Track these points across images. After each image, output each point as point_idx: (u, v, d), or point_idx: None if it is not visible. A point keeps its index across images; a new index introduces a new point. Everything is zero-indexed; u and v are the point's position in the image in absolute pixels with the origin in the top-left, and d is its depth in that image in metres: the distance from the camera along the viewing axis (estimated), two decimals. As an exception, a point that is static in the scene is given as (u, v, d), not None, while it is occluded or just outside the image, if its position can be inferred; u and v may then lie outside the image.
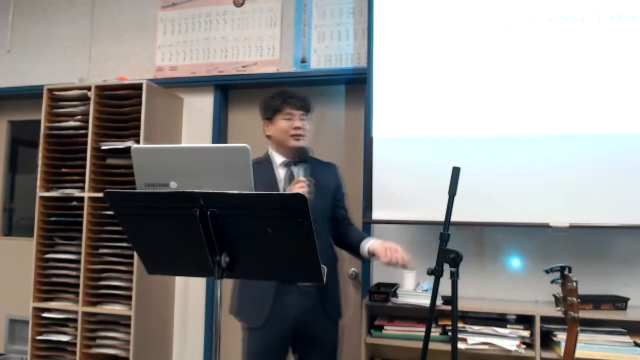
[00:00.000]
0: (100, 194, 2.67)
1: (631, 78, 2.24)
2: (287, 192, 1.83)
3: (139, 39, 3.21)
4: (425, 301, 2.20)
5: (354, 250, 2.02)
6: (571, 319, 1.58)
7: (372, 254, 1.92)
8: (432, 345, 2.04)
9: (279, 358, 1.97)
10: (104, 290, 2.73)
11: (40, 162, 2.87)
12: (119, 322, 2.70)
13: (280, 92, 2.02)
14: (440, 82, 2.45)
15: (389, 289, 2.38)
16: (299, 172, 1.86)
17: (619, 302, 2.22)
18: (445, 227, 1.68)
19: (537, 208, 2.28)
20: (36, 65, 3.38)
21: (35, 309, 2.81)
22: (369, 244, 1.94)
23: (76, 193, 2.79)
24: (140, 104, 2.71)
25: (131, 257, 2.67)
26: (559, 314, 1.67)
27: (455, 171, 1.70)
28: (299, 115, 1.98)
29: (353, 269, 2.81)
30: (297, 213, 1.16)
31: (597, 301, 2.21)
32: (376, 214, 2.48)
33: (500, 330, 2.19)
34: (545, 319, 2.17)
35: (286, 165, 1.99)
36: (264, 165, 1.99)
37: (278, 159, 2.01)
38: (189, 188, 1.19)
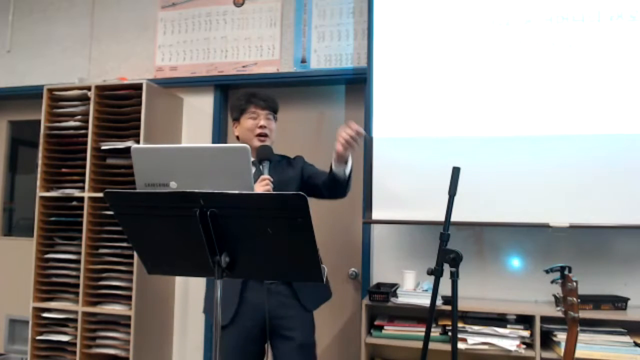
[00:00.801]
0: (100, 194, 2.67)
1: (631, 78, 2.24)
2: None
3: (139, 39, 3.21)
4: (425, 301, 2.20)
5: (332, 175, 1.94)
6: (571, 319, 1.58)
7: (336, 160, 1.87)
8: (432, 345, 2.04)
9: (252, 354, 1.94)
10: (104, 290, 2.73)
11: (40, 162, 2.87)
12: (119, 322, 2.70)
13: (245, 93, 2.07)
14: (440, 82, 2.45)
15: (389, 289, 2.38)
16: (263, 170, 1.87)
17: (619, 302, 2.22)
18: (445, 227, 1.68)
19: (537, 208, 2.28)
20: (36, 65, 3.38)
21: (35, 309, 2.81)
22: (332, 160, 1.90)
23: (76, 193, 2.79)
24: (140, 104, 2.71)
25: (131, 257, 2.67)
26: (559, 314, 1.67)
27: (455, 171, 1.71)
28: (264, 115, 2.01)
29: (353, 269, 2.82)
30: (297, 213, 1.16)
31: (597, 301, 2.21)
32: (376, 214, 2.48)
33: (500, 330, 2.20)
34: (545, 319, 2.17)
35: (254, 164, 1.97)
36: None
37: None
38: (189, 188, 1.19)
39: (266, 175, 1.82)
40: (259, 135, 1.99)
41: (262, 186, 1.78)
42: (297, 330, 1.94)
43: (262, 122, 1.99)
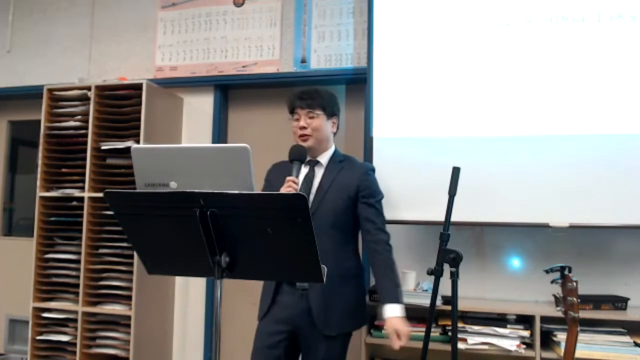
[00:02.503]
0: (100, 194, 2.67)
1: (631, 78, 2.24)
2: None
3: (139, 39, 3.21)
4: (425, 301, 2.20)
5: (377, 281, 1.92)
6: (571, 319, 1.58)
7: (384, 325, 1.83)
8: (432, 345, 2.03)
9: (277, 356, 1.90)
10: (104, 290, 2.73)
11: (40, 162, 2.87)
12: (119, 322, 2.70)
13: (292, 92, 1.98)
14: (440, 82, 2.44)
15: (389, 289, 2.37)
16: (292, 171, 1.81)
17: (619, 302, 2.22)
18: (445, 227, 1.68)
19: (537, 208, 2.28)
20: (36, 65, 3.38)
21: (35, 309, 2.81)
22: (387, 314, 1.82)
23: (76, 193, 2.79)
24: (140, 104, 2.71)
25: (131, 257, 2.67)
26: (559, 314, 1.67)
27: (455, 171, 1.71)
28: (305, 114, 1.92)
29: (353, 269, 2.81)
30: (297, 213, 1.15)
31: (597, 301, 2.21)
32: (376, 214, 2.47)
33: (500, 330, 2.19)
34: (545, 319, 2.16)
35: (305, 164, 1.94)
36: (285, 164, 1.94)
37: None
38: (189, 188, 1.19)
39: (292, 177, 1.77)
40: (300, 136, 1.93)
41: (285, 187, 1.75)
42: (320, 350, 1.86)
43: (301, 123, 1.92)
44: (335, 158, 1.98)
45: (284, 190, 1.74)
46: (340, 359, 1.93)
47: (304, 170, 1.94)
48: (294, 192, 1.72)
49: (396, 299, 1.81)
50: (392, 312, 1.79)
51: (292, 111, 1.96)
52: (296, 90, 1.99)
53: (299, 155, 1.86)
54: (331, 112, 1.97)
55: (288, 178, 1.77)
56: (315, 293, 1.83)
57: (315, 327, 1.84)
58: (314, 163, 1.96)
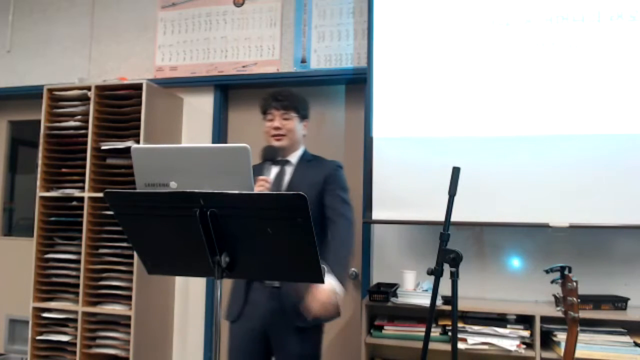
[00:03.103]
0: (100, 194, 2.67)
1: (631, 78, 2.24)
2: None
3: (139, 39, 3.21)
4: (425, 301, 2.20)
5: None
6: (571, 319, 1.58)
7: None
8: (432, 345, 2.04)
9: (255, 352, 1.90)
10: (104, 290, 2.73)
11: (40, 162, 2.87)
12: (119, 322, 2.70)
13: (267, 94, 2.02)
14: (440, 82, 2.45)
15: (389, 289, 2.38)
16: (263, 171, 1.85)
17: (619, 302, 2.22)
18: (445, 227, 1.68)
19: (537, 208, 2.28)
20: (36, 65, 3.38)
21: (35, 309, 2.81)
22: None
23: (76, 193, 2.79)
24: (140, 104, 2.71)
25: (131, 257, 2.67)
26: (559, 314, 1.67)
27: (455, 171, 1.71)
28: (280, 115, 1.96)
29: (353, 269, 2.81)
30: (297, 213, 1.16)
31: (597, 301, 2.21)
32: (376, 214, 2.48)
33: (500, 330, 2.19)
34: (545, 319, 2.17)
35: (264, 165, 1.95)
36: (256, 167, 1.97)
37: None
38: (189, 188, 1.19)
39: (263, 176, 1.81)
40: (273, 136, 1.96)
41: (257, 187, 1.75)
42: (292, 343, 1.86)
43: (276, 124, 1.95)
44: (305, 157, 2.02)
45: (257, 189, 1.74)
46: (314, 353, 1.92)
47: (275, 169, 1.97)
48: (266, 191, 1.76)
49: (335, 275, 1.75)
50: (328, 282, 1.71)
51: (265, 112, 1.99)
52: (270, 91, 2.03)
53: (272, 157, 1.91)
54: (304, 114, 2.02)
55: (259, 177, 1.79)
56: (287, 289, 1.84)
57: (287, 322, 1.84)
58: (283, 162, 1.98)
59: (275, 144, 1.95)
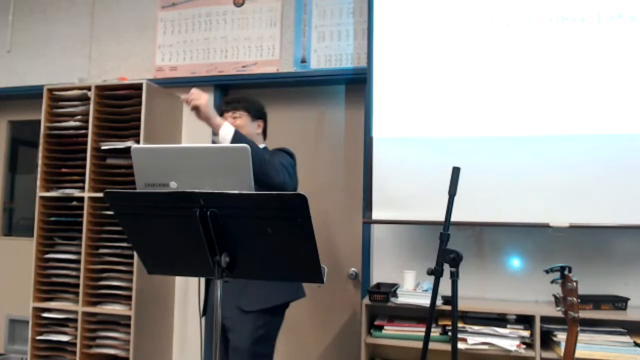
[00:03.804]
0: (100, 194, 2.67)
1: (631, 78, 2.24)
2: None
3: (139, 39, 3.21)
4: (425, 301, 2.20)
5: None
6: (571, 319, 1.58)
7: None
8: (432, 345, 2.04)
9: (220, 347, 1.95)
10: (104, 290, 2.73)
11: (40, 162, 2.87)
12: (119, 322, 2.70)
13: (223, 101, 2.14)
14: (441, 82, 2.45)
15: (389, 289, 2.38)
16: None
17: (619, 302, 2.22)
18: (445, 227, 1.68)
19: (537, 208, 2.28)
20: (36, 65, 3.38)
21: (35, 309, 2.81)
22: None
23: (76, 193, 2.79)
24: (140, 104, 2.70)
25: (131, 257, 2.67)
26: (559, 314, 1.67)
27: (455, 171, 1.71)
28: (230, 116, 2.08)
29: (353, 269, 2.82)
30: (297, 213, 1.16)
31: (597, 301, 2.21)
32: (376, 214, 2.48)
33: (500, 330, 2.19)
34: (545, 319, 2.17)
35: None
36: None
37: None
38: (189, 188, 1.19)
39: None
40: None
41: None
42: (234, 332, 1.96)
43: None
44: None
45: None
46: (267, 336, 1.98)
47: None
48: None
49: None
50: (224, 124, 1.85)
51: (220, 115, 2.05)
52: (227, 97, 2.13)
53: None
54: (255, 114, 2.15)
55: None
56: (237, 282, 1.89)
57: (237, 308, 1.93)
58: None
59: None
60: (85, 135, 2.77)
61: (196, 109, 1.81)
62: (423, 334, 1.84)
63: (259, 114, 2.18)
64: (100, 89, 2.80)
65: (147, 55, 3.18)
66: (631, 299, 2.25)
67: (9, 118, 3.58)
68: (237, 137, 1.81)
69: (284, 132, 3.00)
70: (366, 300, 2.36)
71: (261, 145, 2.14)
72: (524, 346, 2.17)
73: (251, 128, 2.12)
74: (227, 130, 1.83)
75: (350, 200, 2.85)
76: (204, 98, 1.81)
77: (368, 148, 2.53)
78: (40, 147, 2.87)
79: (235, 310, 1.94)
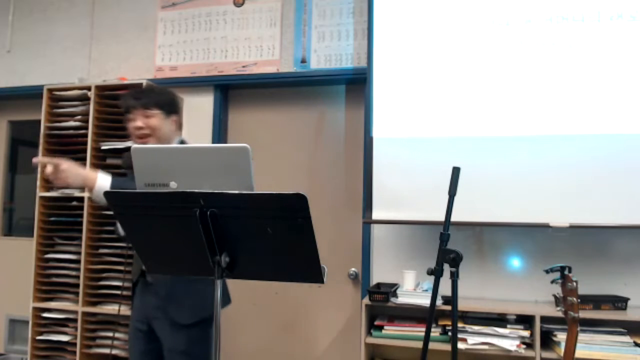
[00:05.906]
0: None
1: (631, 78, 2.24)
2: None
3: (139, 39, 3.21)
4: (425, 301, 2.20)
5: None
6: (571, 319, 1.58)
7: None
8: (432, 345, 2.03)
9: (141, 351, 1.89)
10: (104, 290, 2.73)
11: (40, 162, 2.87)
12: (119, 322, 2.70)
13: (127, 93, 1.90)
14: (440, 82, 2.45)
15: (389, 289, 2.38)
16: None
17: (619, 302, 2.22)
18: (445, 227, 1.68)
19: (537, 208, 2.28)
20: (36, 65, 3.38)
21: (35, 309, 2.81)
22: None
23: (76, 193, 2.79)
24: (140, 104, 2.70)
25: (131, 257, 2.67)
26: (559, 314, 1.67)
27: (455, 171, 1.71)
28: (141, 114, 1.83)
29: (353, 269, 2.82)
30: (297, 213, 1.15)
31: (597, 301, 2.21)
32: (376, 214, 2.48)
33: (500, 330, 2.19)
34: (545, 319, 2.17)
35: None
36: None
37: None
38: (189, 188, 1.19)
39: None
40: (138, 137, 1.85)
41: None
42: (165, 339, 1.84)
43: (137, 124, 1.83)
44: None
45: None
46: (202, 348, 1.80)
47: None
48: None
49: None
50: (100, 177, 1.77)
51: (127, 112, 1.87)
52: (131, 90, 1.93)
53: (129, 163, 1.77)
54: (169, 110, 1.89)
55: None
56: (161, 284, 1.83)
57: (168, 319, 1.81)
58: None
59: (141, 142, 1.83)
60: (85, 135, 2.77)
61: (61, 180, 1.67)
62: (423, 334, 1.83)
63: (173, 108, 1.90)
64: (100, 89, 2.80)
65: (147, 55, 3.18)
66: (631, 299, 2.25)
67: (9, 118, 3.58)
68: (116, 186, 1.70)
69: (284, 132, 3.01)
70: (366, 300, 2.36)
71: (177, 139, 1.94)
72: (524, 346, 2.17)
73: (166, 127, 1.87)
74: (103, 184, 1.73)
75: (350, 200, 2.85)
76: (67, 170, 1.70)
77: (368, 148, 2.53)
78: (40, 147, 2.87)
79: (165, 321, 1.81)
